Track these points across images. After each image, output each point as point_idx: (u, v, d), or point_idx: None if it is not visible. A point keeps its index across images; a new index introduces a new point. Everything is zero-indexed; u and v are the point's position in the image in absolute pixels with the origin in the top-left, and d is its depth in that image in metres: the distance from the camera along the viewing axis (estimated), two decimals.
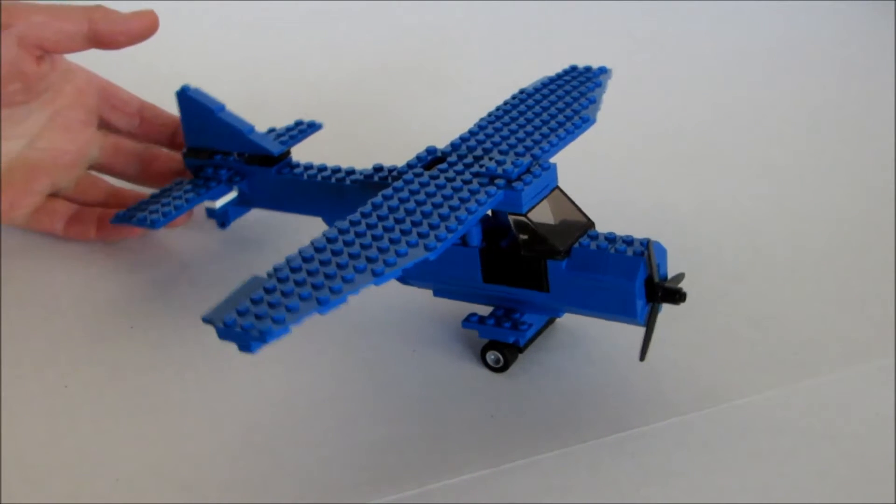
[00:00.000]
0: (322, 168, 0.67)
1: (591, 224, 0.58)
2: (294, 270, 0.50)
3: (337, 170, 0.66)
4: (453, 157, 0.59)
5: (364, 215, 0.53)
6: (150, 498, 0.52)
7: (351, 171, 0.65)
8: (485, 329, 0.59)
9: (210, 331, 0.62)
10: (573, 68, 0.69)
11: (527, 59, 0.92)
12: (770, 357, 0.61)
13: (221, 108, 0.68)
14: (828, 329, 0.63)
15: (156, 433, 0.56)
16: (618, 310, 0.55)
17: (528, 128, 0.62)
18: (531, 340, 0.60)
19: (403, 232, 0.52)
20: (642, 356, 0.55)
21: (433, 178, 0.57)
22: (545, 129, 0.61)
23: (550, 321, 0.62)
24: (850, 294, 0.66)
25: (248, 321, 0.47)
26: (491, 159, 0.58)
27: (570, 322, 0.62)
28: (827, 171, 0.80)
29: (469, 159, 0.59)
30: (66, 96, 0.69)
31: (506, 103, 0.65)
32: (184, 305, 0.65)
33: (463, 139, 0.62)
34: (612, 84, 0.69)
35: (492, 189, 0.55)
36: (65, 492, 0.52)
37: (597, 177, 0.77)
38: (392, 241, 0.51)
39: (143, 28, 0.65)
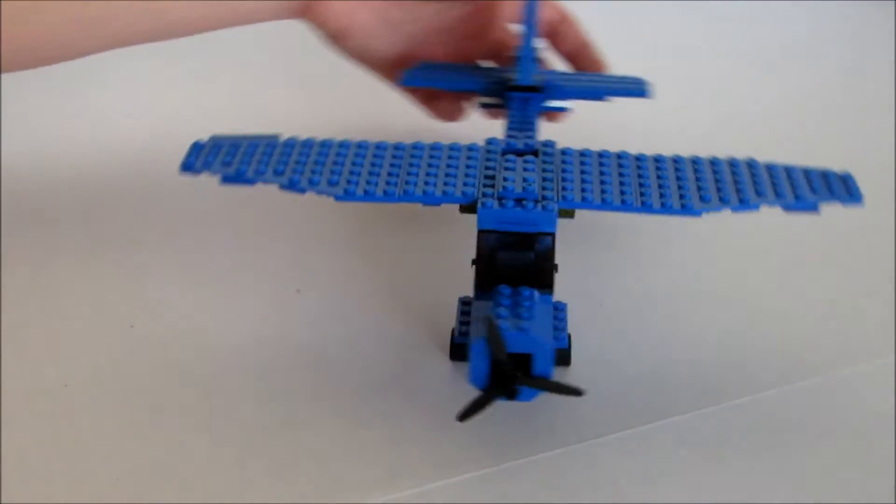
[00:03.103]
0: (528, 117, 0.67)
1: (541, 284, 0.55)
2: (286, 146, 0.60)
3: (529, 123, 0.66)
4: (533, 158, 0.58)
5: (396, 147, 0.59)
6: (150, 498, 0.52)
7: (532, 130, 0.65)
8: (458, 311, 0.60)
9: (211, 331, 0.63)
10: (845, 178, 0.60)
11: None
12: (770, 357, 0.61)
13: (529, 28, 0.69)
14: (828, 329, 0.63)
15: (156, 433, 0.56)
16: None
17: (640, 181, 0.57)
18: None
19: (371, 172, 0.57)
20: (460, 416, 0.51)
21: (487, 158, 0.58)
22: (638, 190, 0.57)
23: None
24: (850, 294, 0.66)
25: (203, 149, 0.60)
26: (533, 176, 0.56)
27: (570, 323, 0.62)
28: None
29: (533, 166, 0.57)
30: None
31: (721, 158, 0.60)
32: (184, 304, 0.65)
33: (582, 154, 0.59)
34: None
35: (469, 191, 0.56)
36: (65, 492, 0.52)
37: None
38: (351, 171, 0.58)
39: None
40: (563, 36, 0.75)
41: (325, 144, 0.60)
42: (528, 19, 0.69)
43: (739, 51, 1.00)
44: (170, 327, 0.63)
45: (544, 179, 0.57)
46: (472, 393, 0.58)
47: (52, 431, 0.56)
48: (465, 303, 0.60)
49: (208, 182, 0.77)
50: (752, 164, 0.60)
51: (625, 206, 0.55)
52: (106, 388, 0.59)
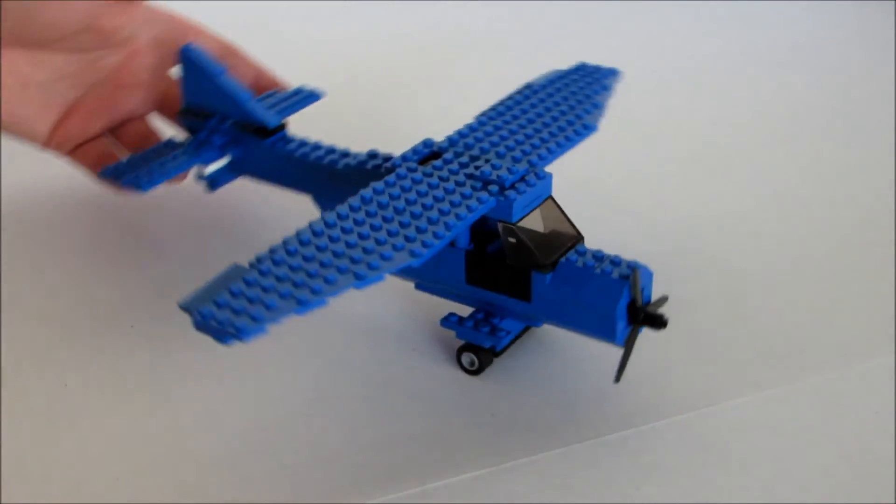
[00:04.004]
0: (317, 147, 0.66)
1: (580, 238, 0.57)
2: (276, 264, 0.49)
3: (332, 150, 0.65)
4: (449, 154, 0.59)
5: (353, 209, 0.53)
6: (150, 498, 0.52)
7: (346, 154, 0.65)
8: (462, 331, 0.58)
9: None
10: (583, 66, 0.69)
11: (528, 58, 0.92)
12: (770, 357, 0.61)
13: (221, 72, 0.67)
14: (828, 329, 0.63)
15: (156, 433, 0.56)
16: (597, 330, 0.54)
17: (529, 130, 0.61)
18: (508, 346, 0.60)
19: (390, 234, 0.51)
20: (617, 377, 0.55)
21: (426, 175, 0.56)
22: (545, 134, 0.61)
23: (527, 328, 0.61)
24: (850, 294, 0.66)
25: (224, 315, 0.46)
26: (487, 161, 0.57)
27: None
28: (827, 171, 0.80)
29: (465, 158, 0.58)
30: (140, 43, 0.69)
31: (510, 98, 0.65)
32: None
33: (461, 135, 0.61)
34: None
35: (484, 196, 0.55)
36: (65, 492, 0.52)
37: (597, 176, 0.77)
38: (378, 242, 0.51)
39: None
40: (235, 69, 0.71)
41: (304, 240, 0.51)
42: (203, 65, 0.66)
43: (739, 51, 1.00)
44: (170, 326, 0.63)
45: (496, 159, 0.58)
46: (460, 393, 0.58)
47: (52, 431, 0.56)
48: (459, 320, 0.59)
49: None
50: (546, 85, 0.67)
51: (561, 148, 0.60)
52: (106, 389, 0.59)
